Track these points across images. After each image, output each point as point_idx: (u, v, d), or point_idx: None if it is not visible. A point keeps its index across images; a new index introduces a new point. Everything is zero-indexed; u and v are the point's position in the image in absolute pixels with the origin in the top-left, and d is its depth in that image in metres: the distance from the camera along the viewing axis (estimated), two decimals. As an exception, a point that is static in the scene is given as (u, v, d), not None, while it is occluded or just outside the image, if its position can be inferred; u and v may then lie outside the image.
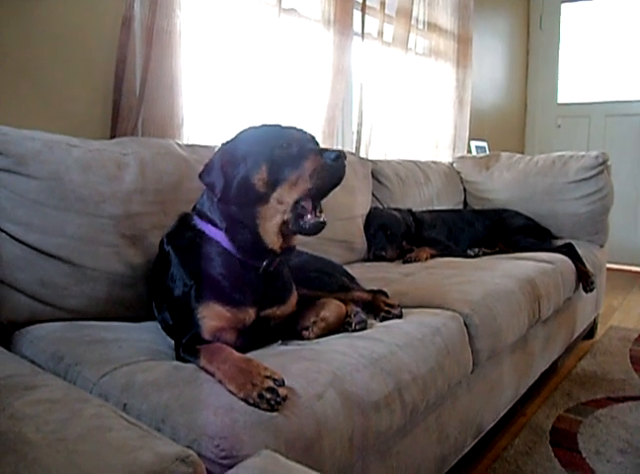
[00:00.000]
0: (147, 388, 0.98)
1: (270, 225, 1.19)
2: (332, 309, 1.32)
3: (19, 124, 1.38)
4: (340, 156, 1.15)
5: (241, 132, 1.26)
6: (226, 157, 1.21)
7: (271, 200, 1.17)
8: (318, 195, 1.17)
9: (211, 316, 1.16)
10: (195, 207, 1.30)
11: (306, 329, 1.28)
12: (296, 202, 1.16)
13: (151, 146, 1.61)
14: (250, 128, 1.27)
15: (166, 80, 1.85)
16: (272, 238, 1.20)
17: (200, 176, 1.23)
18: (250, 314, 1.20)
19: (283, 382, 0.95)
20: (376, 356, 1.17)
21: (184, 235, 1.27)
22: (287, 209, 1.17)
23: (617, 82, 4.73)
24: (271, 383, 0.93)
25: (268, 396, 0.91)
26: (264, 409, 0.90)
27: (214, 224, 1.23)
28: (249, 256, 1.21)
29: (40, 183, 1.32)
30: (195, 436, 0.87)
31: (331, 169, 1.15)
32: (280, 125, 1.26)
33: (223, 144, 1.25)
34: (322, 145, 2.63)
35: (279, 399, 0.91)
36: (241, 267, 1.21)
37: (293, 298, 1.32)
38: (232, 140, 1.25)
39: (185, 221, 1.30)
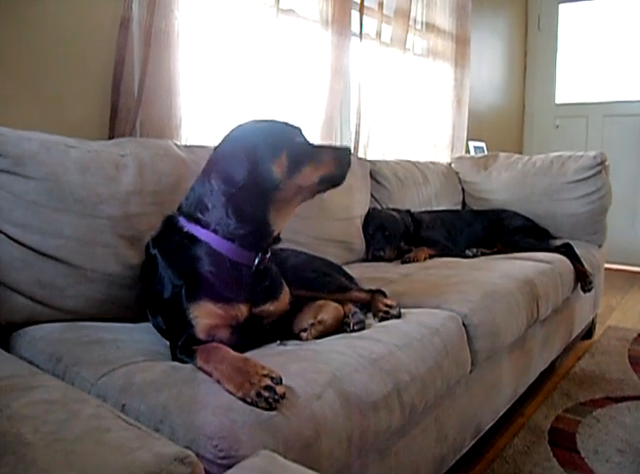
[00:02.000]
0: (146, 389, 0.98)
1: (286, 208, 1.25)
2: (330, 311, 1.32)
3: (16, 125, 1.38)
4: (351, 151, 1.31)
5: (247, 125, 1.27)
6: (245, 148, 1.20)
7: (289, 184, 1.21)
8: (326, 186, 1.28)
9: (204, 315, 1.15)
10: (180, 209, 1.28)
11: (304, 330, 1.28)
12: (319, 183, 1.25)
13: (149, 147, 1.61)
14: (258, 121, 1.28)
15: (164, 81, 1.85)
16: (279, 223, 1.25)
17: (214, 169, 1.22)
18: (242, 310, 1.20)
19: (281, 380, 0.95)
20: (375, 357, 1.17)
21: (171, 238, 1.25)
22: (310, 191, 1.26)
23: (615, 82, 4.74)
24: (268, 382, 0.93)
25: (265, 394, 0.91)
26: (262, 407, 0.90)
27: (203, 225, 1.21)
28: (246, 248, 1.21)
29: (38, 184, 1.32)
30: (193, 437, 0.87)
31: (344, 162, 1.28)
32: (286, 123, 1.30)
33: (232, 135, 1.26)
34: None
35: (276, 397, 0.91)
36: (231, 266, 1.21)
37: (285, 294, 1.32)
38: (244, 132, 1.25)
39: (170, 224, 1.28)
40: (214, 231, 1.21)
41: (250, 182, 1.18)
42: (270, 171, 1.20)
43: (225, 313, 1.17)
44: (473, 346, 1.50)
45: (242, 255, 1.21)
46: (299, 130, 1.29)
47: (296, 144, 1.25)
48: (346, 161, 1.28)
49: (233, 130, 1.28)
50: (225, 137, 1.28)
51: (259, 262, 1.23)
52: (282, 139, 1.23)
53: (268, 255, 1.26)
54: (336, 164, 1.26)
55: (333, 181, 1.27)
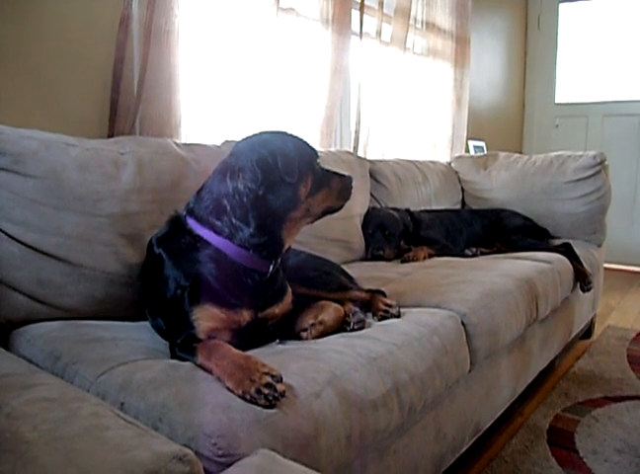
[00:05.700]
0: (145, 387, 0.98)
1: (295, 228, 1.26)
2: (330, 312, 1.32)
3: (16, 123, 1.38)
4: (352, 181, 1.36)
5: (277, 135, 1.27)
6: (282, 157, 1.21)
7: (303, 207, 1.24)
8: (327, 214, 1.33)
9: (207, 317, 1.15)
10: (189, 209, 1.26)
11: (304, 330, 1.29)
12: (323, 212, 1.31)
13: (149, 145, 1.61)
14: (286, 135, 1.29)
15: (164, 79, 1.85)
16: (290, 238, 1.27)
17: (238, 169, 1.20)
18: (246, 316, 1.20)
19: (281, 378, 0.95)
20: (374, 356, 1.17)
21: (179, 239, 1.23)
22: (314, 216, 1.30)
23: (615, 82, 4.73)
24: (269, 379, 0.93)
25: (265, 392, 0.91)
26: (261, 405, 0.90)
27: (217, 231, 1.20)
28: (260, 256, 1.21)
29: (38, 182, 1.32)
30: (192, 435, 0.87)
31: (347, 194, 1.34)
32: (307, 143, 1.32)
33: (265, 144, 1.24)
34: (320, 145, 2.65)
35: (276, 394, 0.91)
36: (244, 273, 1.20)
37: (288, 295, 1.33)
38: (275, 141, 1.25)
39: (178, 224, 1.26)
40: (228, 237, 1.19)
41: (276, 193, 1.19)
42: (297, 189, 1.22)
43: (228, 318, 1.17)
44: (472, 345, 1.50)
45: (257, 262, 1.22)
46: (317, 154, 1.32)
47: (318, 170, 1.29)
48: (349, 193, 1.34)
49: (259, 135, 1.27)
50: (250, 141, 1.26)
51: (273, 267, 1.24)
52: (310, 162, 1.28)
53: (279, 260, 1.27)
54: (340, 195, 1.33)
55: (334, 210, 1.33)
